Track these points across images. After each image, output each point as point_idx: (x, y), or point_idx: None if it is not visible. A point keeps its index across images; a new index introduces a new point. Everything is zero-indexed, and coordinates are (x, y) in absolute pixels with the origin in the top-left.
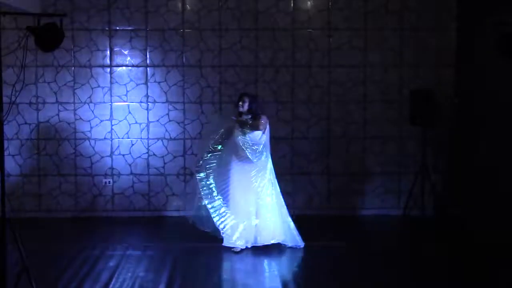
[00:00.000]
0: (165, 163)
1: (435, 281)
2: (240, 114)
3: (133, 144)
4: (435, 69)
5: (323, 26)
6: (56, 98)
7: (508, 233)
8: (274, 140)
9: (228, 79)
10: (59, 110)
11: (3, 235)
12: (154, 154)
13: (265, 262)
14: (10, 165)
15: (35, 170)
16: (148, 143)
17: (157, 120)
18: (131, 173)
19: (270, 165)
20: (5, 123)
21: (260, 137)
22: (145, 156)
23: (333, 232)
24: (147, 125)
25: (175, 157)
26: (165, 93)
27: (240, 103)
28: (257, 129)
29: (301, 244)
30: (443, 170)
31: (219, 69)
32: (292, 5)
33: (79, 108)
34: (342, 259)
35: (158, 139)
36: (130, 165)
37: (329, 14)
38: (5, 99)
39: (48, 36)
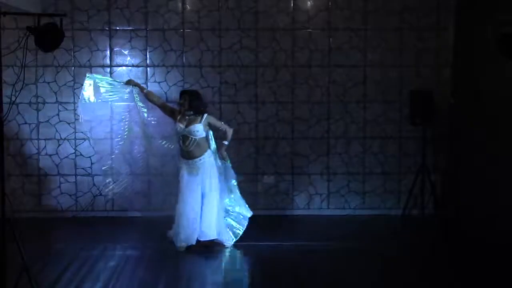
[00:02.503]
0: (165, 163)
1: (435, 281)
2: (183, 111)
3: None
4: (435, 69)
5: (323, 26)
6: (56, 98)
7: (508, 233)
8: (274, 140)
9: (228, 79)
10: (59, 110)
11: (3, 235)
12: (154, 154)
13: (262, 262)
14: (10, 165)
15: (35, 170)
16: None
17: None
18: (131, 173)
19: (216, 162)
20: (5, 123)
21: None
22: (145, 156)
23: (333, 232)
24: (147, 125)
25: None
26: (165, 93)
27: (181, 101)
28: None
29: (230, 242)
30: (443, 170)
31: (219, 69)
32: (292, 5)
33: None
34: (342, 259)
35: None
36: (130, 165)
37: (329, 14)
38: (5, 99)
39: (48, 36)
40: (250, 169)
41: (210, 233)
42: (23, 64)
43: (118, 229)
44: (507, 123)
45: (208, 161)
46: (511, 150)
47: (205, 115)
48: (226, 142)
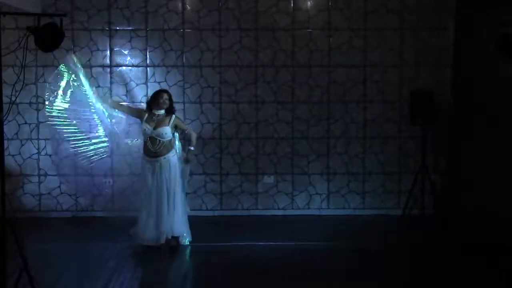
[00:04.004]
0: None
1: (435, 281)
2: (155, 110)
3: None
4: (435, 69)
5: (323, 26)
6: None
7: (508, 233)
8: (274, 140)
9: (228, 79)
10: None
11: (3, 235)
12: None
13: (262, 262)
14: (10, 165)
15: (35, 170)
16: None
17: None
18: (131, 173)
19: (178, 161)
20: (5, 123)
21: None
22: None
23: (333, 232)
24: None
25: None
26: None
27: (161, 100)
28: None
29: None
30: (443, 170)
31: (219, 69)
32: (292, 5)
33: None
34: (342, 259)
35: None
36: (130, 165)
37: (329, 14)
38: (5, 99)
39: (48, 36)
40: (250, 169)
41: (177, 230)
42: (23, 64)
43: (118, 229)
44: (507, 123)
45: (172, 160)
46: (511, 150)
47: (173, 116)
48: (192, 148)
